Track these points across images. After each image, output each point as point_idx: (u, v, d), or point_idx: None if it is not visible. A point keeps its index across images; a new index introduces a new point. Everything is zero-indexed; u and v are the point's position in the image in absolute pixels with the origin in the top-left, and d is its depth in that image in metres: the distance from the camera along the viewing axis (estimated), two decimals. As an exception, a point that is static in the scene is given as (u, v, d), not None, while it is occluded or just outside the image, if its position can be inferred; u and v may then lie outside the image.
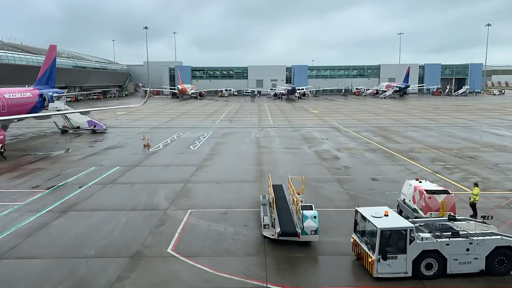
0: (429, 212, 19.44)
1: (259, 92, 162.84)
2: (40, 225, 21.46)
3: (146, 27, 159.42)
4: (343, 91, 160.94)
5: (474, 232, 16.34)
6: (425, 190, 19.99)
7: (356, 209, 17.70)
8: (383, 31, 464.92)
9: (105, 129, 57.70)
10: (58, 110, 55.54)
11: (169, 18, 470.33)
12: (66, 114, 56.47)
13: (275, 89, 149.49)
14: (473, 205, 21.81)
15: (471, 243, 15.63)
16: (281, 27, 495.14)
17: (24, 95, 53.54)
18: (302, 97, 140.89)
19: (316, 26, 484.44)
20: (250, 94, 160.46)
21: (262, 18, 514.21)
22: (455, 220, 17.78)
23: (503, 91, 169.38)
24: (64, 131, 57.05)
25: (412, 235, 15.54)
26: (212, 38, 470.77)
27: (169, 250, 18.35)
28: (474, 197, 21.67)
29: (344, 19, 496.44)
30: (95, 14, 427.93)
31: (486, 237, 15.82)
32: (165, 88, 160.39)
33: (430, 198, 19.54)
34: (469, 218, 18.12)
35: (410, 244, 15.43)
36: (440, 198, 19.45)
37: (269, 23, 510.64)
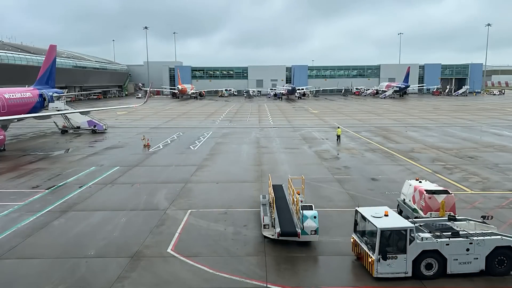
0: (429, 212, 19.42)
1: (259, 92, 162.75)
2: (40, 225, 21.46)
3: (146, 27, 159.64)
4: (343, 91, 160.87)
5: (474, 232, 16.34)
6: (425, 190, 19.98)
7: (356, 209, 17.70)
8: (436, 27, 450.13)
9: (105, 129, 57.69)
10: (58, 110, 55.56)
11: (206, 16, 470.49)
12: (66, 114, 56.49)
13: (275, 89, 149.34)
14: (338, 137, 47.05)
15: (471, 243, 15.62)
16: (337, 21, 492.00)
17: (24, 95, 53.53)
18: (302, 97, 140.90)
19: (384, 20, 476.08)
20: (246, 94, 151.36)
21: (313, 12, 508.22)
22: (455, 220, 17.77)
23: (503, 91, 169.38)
24: (64, 131, 57.05)
25: (412, 235, 15.53)
26: (255, 35, 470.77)
27: (169, 250, 18.35)
28: (338, 131, 47.88)
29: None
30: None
31: (486, 237, 15.81)
32: (165, 88, 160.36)
33: (430, 198, 19.52)
34: (469, 218, 18.11)
35: (410, 244, 15.42)
36: (440, 198, 19.43)
37: (320, 18, 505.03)
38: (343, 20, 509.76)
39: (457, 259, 15.59)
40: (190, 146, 45.51)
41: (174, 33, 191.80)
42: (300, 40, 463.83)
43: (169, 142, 48.70)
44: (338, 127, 51.25)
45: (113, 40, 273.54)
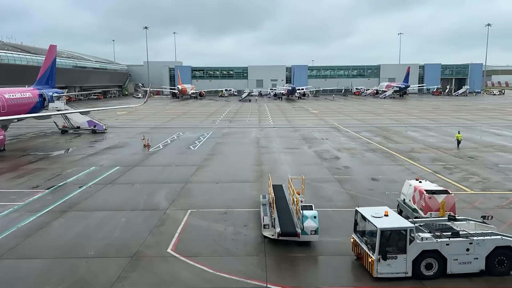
0: (429, 212, 19.43)
1: (259, 92, 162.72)
2: (40, 225, 21.45)
3: (146, 27, 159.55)
4: (343, 91, 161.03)
5: (474, 232, 16.34)
6: (425, 190, 19.98)
7: (356, 209, 17.69)
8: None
9: (105, 129, 57.70)
10: (58, 110, 55.57)
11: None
12: (66, 114, 56.49)
13: (275, 89, 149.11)
14: (458, 142, 43.39)
15: (471, 243, 15.62)
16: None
17: (24, 95, 53.54)
18: (302, 97, 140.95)
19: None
20: (226, 94, 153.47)
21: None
22: (455, 220, 17.77)
23: (503, 91, 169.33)
24: (64, 131, 57.06)
25: (412, 235, 15.53)
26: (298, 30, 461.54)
27: (169, 250, 18.35)
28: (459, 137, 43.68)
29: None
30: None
31: (486, 237, 15.81)
32: (165, 88, 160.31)
33: (430, 198, 19.53)
34: (469, 218, 18.11)
35: (410, 244, 15.42)
36: (440, 198, 19.43)
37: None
38: (395, 15, 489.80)
39: (457, 259, 15.59)
40: (190, 146, 45.50)
41: (174, 33, 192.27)
42: (340, 36, 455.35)
43: (169, 142, 48.69)
44: (458, 132, 44.96)
45: (113, 40, 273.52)
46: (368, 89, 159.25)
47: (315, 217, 18.31)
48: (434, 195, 19.63)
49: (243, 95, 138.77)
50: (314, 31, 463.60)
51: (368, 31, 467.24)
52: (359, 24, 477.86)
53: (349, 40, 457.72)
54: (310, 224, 18.14)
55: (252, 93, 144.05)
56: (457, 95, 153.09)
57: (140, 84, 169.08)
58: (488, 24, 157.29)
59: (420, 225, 16.92)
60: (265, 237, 19.09)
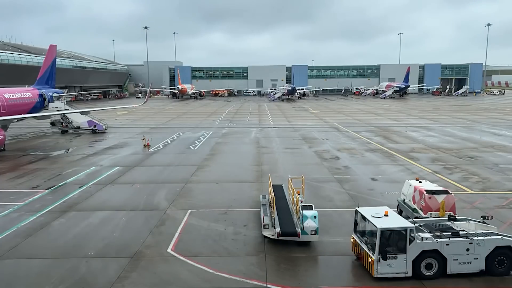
0: (429, 212, 19.42)
1: (259, 92, 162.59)
2: (40, 225, 21.46)
3: (146, 27, 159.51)
4: (343, 91, 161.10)
5: (474, 232, 16.34)
6: (425, 190, 19.98)
7: (356, 209, 17.70)
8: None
9: (105, 129, 57.70)
10: (58, 110, 55.58)
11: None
12: (66, 114, 56.49)
13: (275, 89, 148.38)
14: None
15: (471, 243, 15.62)
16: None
17: (24, 95, 53.55)
18: (302, 97, 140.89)
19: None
20: (195, 95, 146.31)
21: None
22: (455, 220, 17.78)
23: (503, 91, 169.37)
24: (64, 131, 57.08)
25: (412, 235, 15.53)
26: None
27: (169, 250, 18.35)
28: None
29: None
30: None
31: (486, 237, 15.81)
32: (165, 88, 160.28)
33: (430, 198, 19.52)
34: (469, 218, 18.11)
35: (410, 244, 15.42)
36: (440, 198, 19.43)
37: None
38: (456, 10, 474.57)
39: (457, 259, 15.59)
40: (190, 146, 45.50)
41: (174, 33, 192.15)
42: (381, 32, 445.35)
43: (169, 142, 48.69)
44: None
45: (113, 40, 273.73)
46: (368, 89, 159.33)
47: (315, 217, 18.31)
48: (434, 195, 19.62)
49: (277, 95, 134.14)
50: (355, 26, 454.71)
51: (415, 27, 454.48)
52: (403, 21, 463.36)
53: (391, 37, 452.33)
54: (310, 224, 18.14)
55: (277, 91, 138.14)
56: (457, 95, 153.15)
57: (140, 84, 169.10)
58: (488, 24, 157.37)
59: (420, 225, 16.92)
60: (265, 237, 19.09)
